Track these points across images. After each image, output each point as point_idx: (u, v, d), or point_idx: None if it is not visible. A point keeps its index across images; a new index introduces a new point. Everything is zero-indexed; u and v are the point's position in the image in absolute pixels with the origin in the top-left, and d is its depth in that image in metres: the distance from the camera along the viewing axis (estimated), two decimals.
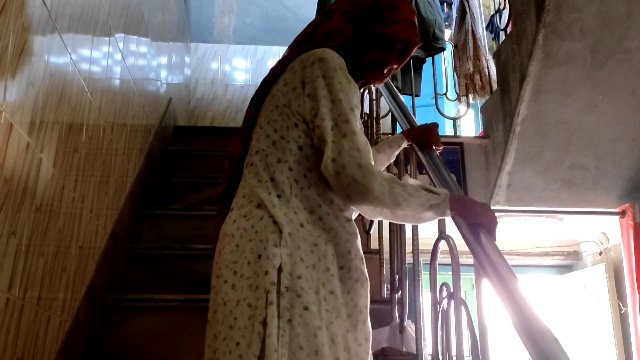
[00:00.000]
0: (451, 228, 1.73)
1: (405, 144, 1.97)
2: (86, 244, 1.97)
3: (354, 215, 1.51)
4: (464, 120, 6.36)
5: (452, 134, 4.56)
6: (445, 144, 4.04)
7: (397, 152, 1.98)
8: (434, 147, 1.92)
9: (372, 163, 1.35)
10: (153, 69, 3.21)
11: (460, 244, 1.63)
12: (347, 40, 1.53)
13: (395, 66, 1.62)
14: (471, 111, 5.88)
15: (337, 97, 1.37)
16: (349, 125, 1.35)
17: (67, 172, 1.73)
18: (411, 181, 1.42)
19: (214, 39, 5.58)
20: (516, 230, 4.82)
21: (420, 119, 4.51)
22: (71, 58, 1.74)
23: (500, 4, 4.15)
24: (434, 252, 1.74)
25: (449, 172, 1.75)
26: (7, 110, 1.31)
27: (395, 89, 2.57)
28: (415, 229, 2.17)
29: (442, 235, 1.79)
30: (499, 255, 1.32)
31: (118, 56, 2.34)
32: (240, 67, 5.57)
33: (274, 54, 5.60)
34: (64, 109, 1.69)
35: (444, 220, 1.83)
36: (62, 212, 1.70)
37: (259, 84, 1.54)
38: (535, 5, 3.38)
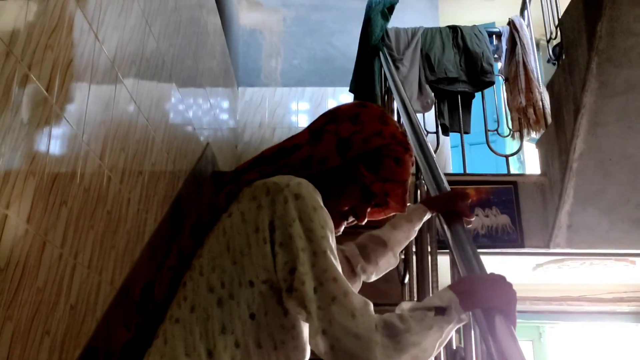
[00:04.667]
0: None
1: (427, 216, 1.62)
2: (82, 303, 1.86)
3: None
4: (527, 157, 6.03)
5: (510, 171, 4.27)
6: (497, 182, 3.84)
7: (418, 227, 1.63)
8: (463, 219, 1.56)
9: (374, 326, 1.03)
10: (183, 114, 3.14)
11: None
12: (325, 174, 1.23)
13: (360, 222, 1.32)
14: (533, 147, 5.56)
15: (320, 247, 1.06)
16: (339, 285, 1.04)
17: (50, 227, 1.62)
18: (405, 305, 1.10)
19: (261, 82, 5.55)
20: (583, 274, 4.43)
21: (472, 157, 4.30)
22: (55, 104, 1.66)
23: (551, 33, 3.89)
24: None
25: (475, 250, 1.40)
26: None
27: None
28: (435, 274, 1.92)
29: None
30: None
31: (128, 102, 2.27)
32: (288, 110, 5.50)
33: (322, 95, 5.50)
34: (42, 159, 1.59)
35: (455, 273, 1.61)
36: (44, 270, 1.59)
37: (206, 209, 1.18)
38: (586, 32, 3.13)
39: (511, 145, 5.60)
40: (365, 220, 1.33)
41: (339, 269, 1.08)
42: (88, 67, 1.89)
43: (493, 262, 3.80)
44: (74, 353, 1.81)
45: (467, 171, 4.05)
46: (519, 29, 4.23)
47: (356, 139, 1.23)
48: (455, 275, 1.52)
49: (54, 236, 1.66)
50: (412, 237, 1.66)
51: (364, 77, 4.09)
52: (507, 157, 4.18)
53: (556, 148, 3.63)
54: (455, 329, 1.13)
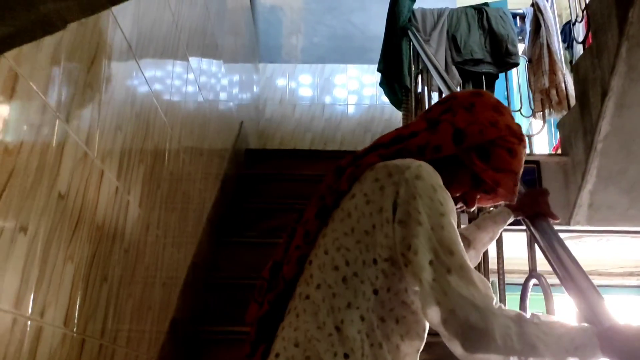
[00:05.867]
0: (543, 265, 1.64)
1: (511, 219, 1.62)
2: (169, 279, 1.99)
3: None
4: (536, 136, 6.17)
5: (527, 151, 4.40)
6: None
7: (502, 229, 1.64)
8: (549, 219, 1.57)
9: (492, 300, 1.03)
10: (226, 94, 3.24)
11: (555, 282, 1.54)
12: (438, 161, 1.22)
13: (469, 209, 1.34)
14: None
15: (437, 221, 1.08)
16: (456, 258, 1.05)
17: (151, 210, 1.74)
18: (542, 316, 1.08)
19: (282, 59, 5.62)
20: (597, 250, 4.60)
21: None
22: (153, 95, 1.76)
23: (577, 16, 3.99)
24: (523, 292, 1.65)
25: (567, 249, 1.43)
26: (98, 158, 1.32)
27: None
28: (500, 249, 2.07)
29: (533, 273, 1.69)
30: None
31: (194, 87, 2.37)
32: (308, 86, 5.59)
33: (341, 71, 5.59)
34: (148, 147, 1.70)
35: (534, 256, 1.72)
36: (148, 251, 1.72)
37: (328, 191, 1.22)
38: (617, 17, 3.23)
39: (522, 125, 5.73)
40: (475, 207, 1.35)
41: (459, 243, 1.08)
42: (172, 56, 1.98)
43: (514, 238, 3.95)
44: (164, 324, 1.95)
45: None
46: (543, 11, 4.33)
47: (472, 130, 1.24)
48: (534, 256, 1.65)
49: (154, 219, 1.78)
50: (496, 238, 1.69)
51: (393, 58, 4.18)
52: (529, 137, 4.30)
53: (581, 129, 3.75)
54: None
